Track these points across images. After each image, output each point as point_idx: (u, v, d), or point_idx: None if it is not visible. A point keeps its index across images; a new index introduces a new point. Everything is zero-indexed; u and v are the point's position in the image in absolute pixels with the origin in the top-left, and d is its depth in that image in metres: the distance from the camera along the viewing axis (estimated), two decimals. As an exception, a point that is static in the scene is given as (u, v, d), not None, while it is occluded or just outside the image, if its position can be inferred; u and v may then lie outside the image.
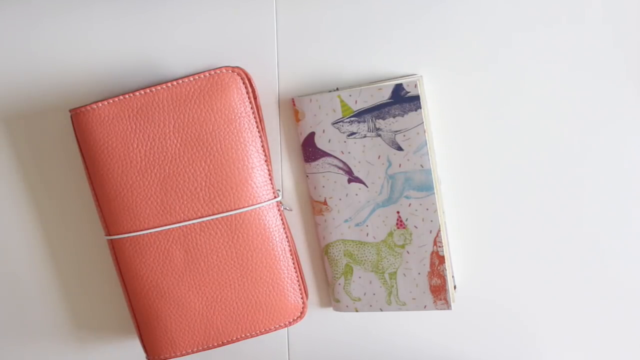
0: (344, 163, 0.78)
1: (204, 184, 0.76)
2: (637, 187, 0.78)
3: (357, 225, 0.79)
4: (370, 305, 0.80)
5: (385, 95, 0.76)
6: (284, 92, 0.79)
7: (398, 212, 0.78)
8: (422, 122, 0.76)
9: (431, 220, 0.77)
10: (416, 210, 0.77)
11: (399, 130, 0.76)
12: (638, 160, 0.78)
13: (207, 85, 0.75)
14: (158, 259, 0.76)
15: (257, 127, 0.77)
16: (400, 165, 0.77)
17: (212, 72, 0.75)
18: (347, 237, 0.80)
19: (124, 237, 0.76)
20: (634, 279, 0.80)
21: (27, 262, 0.83)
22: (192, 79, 0.75)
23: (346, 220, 0.79)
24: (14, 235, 0.82)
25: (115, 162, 0.75)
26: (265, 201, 0.77)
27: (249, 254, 0.77)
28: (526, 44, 0.77)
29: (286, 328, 0.82)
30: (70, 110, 0.76)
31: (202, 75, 0.75)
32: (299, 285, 0.79)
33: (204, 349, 0.79)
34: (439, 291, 0.78)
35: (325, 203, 0.79)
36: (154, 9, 0.78)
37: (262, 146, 0.77)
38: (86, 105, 0.75)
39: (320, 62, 0.78)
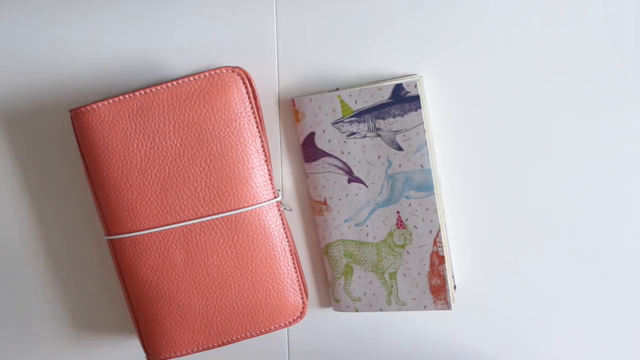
0: (344, 163, 0.78)
1: (204, 184, 0.76)
2: (638, 187, 0.78)
3: (357, 225, 0.79)
4: (370, 305, 0.80)
5: (385, 95, 0.76)
6: (284, 92, 0.79)
7: (398, 212, 0.78)
8: (422, 122, 0.76)
9: (431, 220, 0.77)
10: (416, 210, 0.77)
11: (399, 130, 0.76)
12: (639, 160, 0.78)
13: (207, 85, 0.75)
14: (158, 259, 0.76)
15: (257, 127, 0.77)
16: (400, 165, 0.77)
17: (212, 72, 0.75)
18: (347, 237, 0.80)
19: (124, 237, 0.76)
20: (634, 278, 0.80)
21: (27, 262, 0.83)
22: (192, 79, 0.75)
23: (346, 220, 0.79)
24: (13, 236, 0.82)
25: (115, 162, 0.75)
26: (265, 201, 0.77)
27: (249, 254, 0.77)
28: (526, 43, 0.77)
29: (286, 328, 0.82)
30: (70, 110, 0.76)
31: (202, 75, 0.75)
32: (299, 285, 0.79)
33: (204, 349, 0.79)
34: (439, 291, 0.78)
35: (325, 203, 0.79)
36: (154, 9, 0.78)
37: (262, 146, 0.77)
38: (86, 105, 0.75)
39: (320, 62, 0.78)
